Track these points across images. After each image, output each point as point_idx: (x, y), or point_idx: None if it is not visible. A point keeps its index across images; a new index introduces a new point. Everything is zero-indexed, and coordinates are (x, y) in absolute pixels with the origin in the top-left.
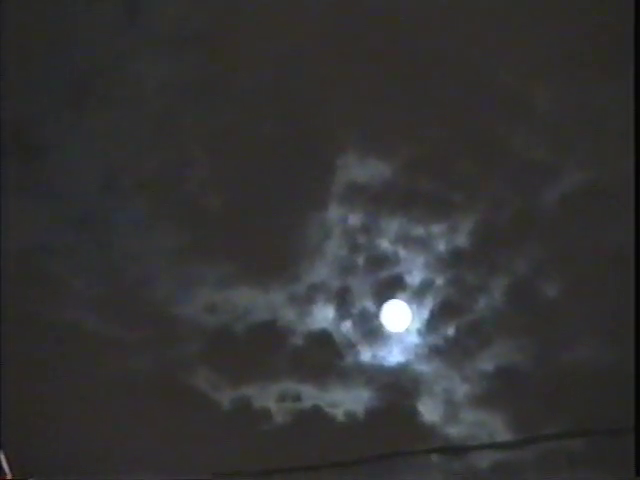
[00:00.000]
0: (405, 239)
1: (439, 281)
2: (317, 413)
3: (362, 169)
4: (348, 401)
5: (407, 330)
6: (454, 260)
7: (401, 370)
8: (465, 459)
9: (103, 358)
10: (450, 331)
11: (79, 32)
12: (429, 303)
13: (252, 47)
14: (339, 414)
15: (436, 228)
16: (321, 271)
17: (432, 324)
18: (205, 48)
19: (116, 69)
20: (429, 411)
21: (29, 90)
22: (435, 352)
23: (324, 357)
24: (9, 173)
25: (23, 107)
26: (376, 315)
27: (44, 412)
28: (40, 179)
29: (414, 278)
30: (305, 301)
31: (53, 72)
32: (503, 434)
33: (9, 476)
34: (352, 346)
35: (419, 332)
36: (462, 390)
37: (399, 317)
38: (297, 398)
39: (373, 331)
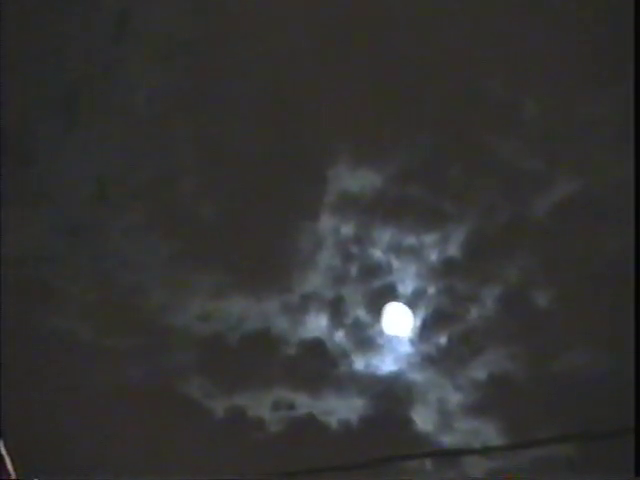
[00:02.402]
0: (397, 249)
1: (431, 290)
2: (311, 421)
3: (354, 179)
4: (342, 409)
5: (401, 338)
6: (446, 269)
7: (394, 379)
8: (459, 465)
9: (97, 366)
10: (442, 340)
11: (71, 41)
12: (421, 312)
13: (243, 57)
14: (333, 422)
15: (428, 238)
16: (314, 281)
17: (425, 333)
18: (197, 57)
19: (108, 78)
20: (423, 419)
21: (21, 99)
22: (428, 361)
23: (318, 366)
24: (2, 181)
25: (16, 116)
26: (370, 324)
27: (37, 418)
28: (33, 187)
29: (406, 287)
30: (298, 310)
31: (45, 81)
32: (496, 442)
33: (13, 476)
34: (346, 355)
35: (412, 341)
36: (455, 398)
37: (399, 320)
38: (291, 406)
39: (366, 340)
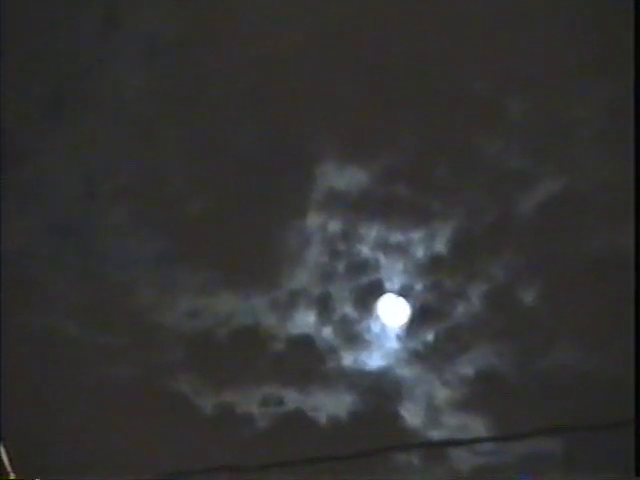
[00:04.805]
0: (384, 246)
1: (418, 287)
2: (300, 417)
3: (341, 177)
4: (331, 405)
5: (388, 334)
6: (433, 266)
7: (382, 374)
8: (448, 461)
9: (85, 364)
10: (430, 336)
11: (59, 40)
12: (409, 308)
13: (231, 55)
14: (322, 418)
15: (415, 235)
16: (302, 277)
17: (412, 329)
18: (184, 55)
19: (96, 76)
20: (411, 415)
21: (9, 98)
22: (415, 356)
23: (306, 362)
24: None
25: (4, 115)
26: (357, 320)
27: (30, 416)
28: (21, 186)
29: (393, 284)
30: (287, 307)
31: (33, 80)
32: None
33: (12, 475)
34: (334, 351)
35: (399, 337)
36: (443, 394)
37: (387, 316)
38: (280, 402)
39: (354, 336)
